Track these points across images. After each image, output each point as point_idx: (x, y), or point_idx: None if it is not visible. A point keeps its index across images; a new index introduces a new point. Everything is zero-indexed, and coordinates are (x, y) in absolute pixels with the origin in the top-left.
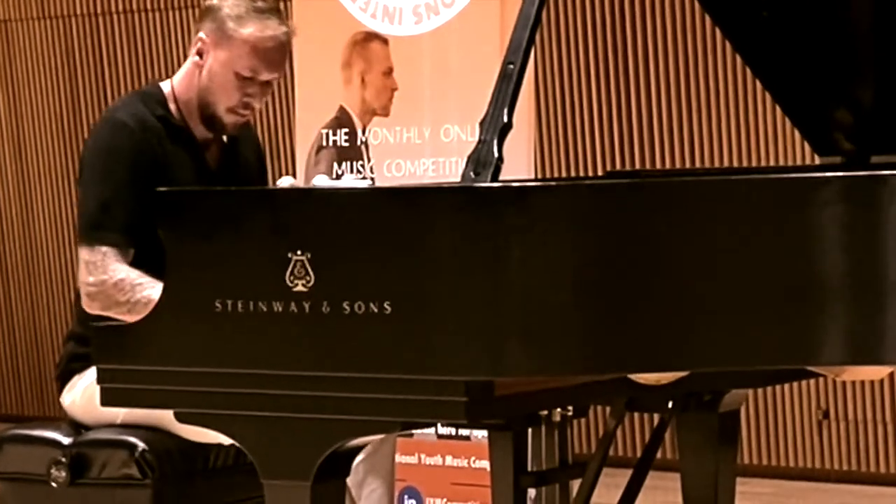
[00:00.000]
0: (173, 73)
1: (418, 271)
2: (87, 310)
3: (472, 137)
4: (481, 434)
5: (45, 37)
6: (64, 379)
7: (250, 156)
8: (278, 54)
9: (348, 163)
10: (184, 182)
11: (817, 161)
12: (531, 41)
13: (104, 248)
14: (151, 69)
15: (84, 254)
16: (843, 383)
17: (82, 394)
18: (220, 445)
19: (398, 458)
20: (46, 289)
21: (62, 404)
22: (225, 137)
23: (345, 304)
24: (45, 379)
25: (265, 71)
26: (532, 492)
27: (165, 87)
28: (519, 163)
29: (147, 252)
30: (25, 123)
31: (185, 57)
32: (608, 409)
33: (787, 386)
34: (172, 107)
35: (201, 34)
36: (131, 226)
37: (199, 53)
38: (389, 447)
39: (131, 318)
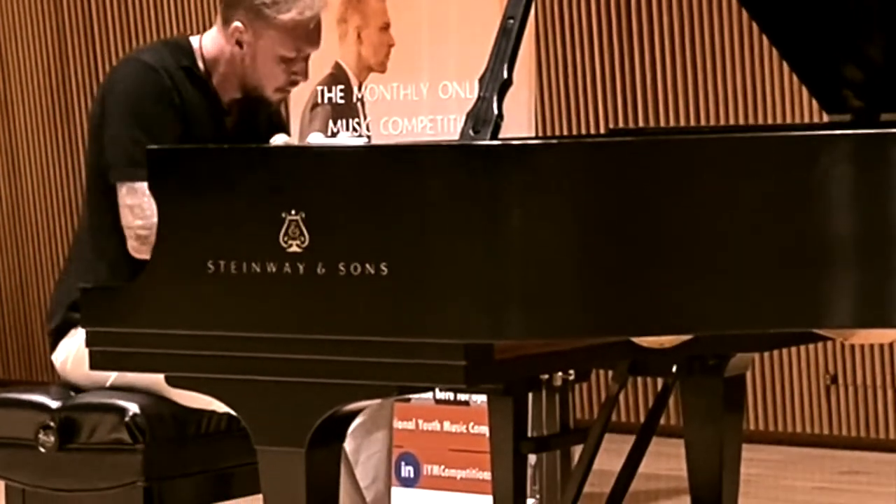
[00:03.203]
0: (163, 24)
1: (416, 232)
2: (136, 255)
3: (471, 94)
4: (480, 399)
5: None
6: (60, 332)
7: (264, 124)
8: (318, 30)
9: (344, 120)
10: (202, 135)
11: (825, 119)
12: None
13: (145, 187)
14: (141, 21)
15: (125, 197)
16: (852, 347)
17: (77, 350)
18: (212, 410)
19: (395, 424)
20: (33, 250)
21: (53, 362)
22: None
23: (340, 266)
24: (31, 343)
25: (308, 48)
26: (532, 458)
27: (194, 42)
28: (519, 120)
29: None
30: (12, 77)
31: (175, 7)
32: (610, 373)
33: (794, 350)
34: (199, 63)
35: (237, 24)
36: None
37: (239, 43)
38: (386, 413)
39: None
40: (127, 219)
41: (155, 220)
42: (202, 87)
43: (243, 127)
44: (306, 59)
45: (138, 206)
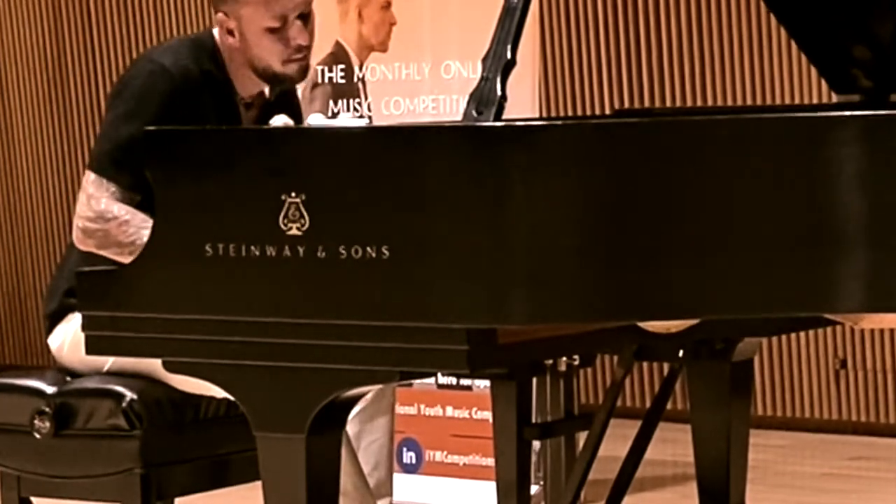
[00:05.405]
0: (163, 14)
1: (418, 214)
2: (80, 246)
3: (474, 74)
4: (483, 384)
5: None
6: (57, 316)
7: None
8: None
9: (345, 101)
10: None
11: (834, 99)
12: None
13: (113, 187)
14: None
15: (90, 185)
16: (862, 331)
17: (73, 335)
18: (210, 396)
19: (397, 409)
20: (29, 235)
21: (50, 347)
22: (268, 93)
23: (341, 249)
24: (27, 327)
25: (291, 10)
26: (536, 444)
27: (217, 36)
28: (523, 101)
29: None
30: (9, 65)
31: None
32: (616, 357)
33: (802, 334)
34: (220, 58)
35: (220, 15)
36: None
37: (230, 32)
38: (388, 399)
39: (127, 261)
40: (81, 206)
41: (110, 216)
42: (221, 90)
43: (266, 122)
44: (302, 18)
45: (96, 199)
